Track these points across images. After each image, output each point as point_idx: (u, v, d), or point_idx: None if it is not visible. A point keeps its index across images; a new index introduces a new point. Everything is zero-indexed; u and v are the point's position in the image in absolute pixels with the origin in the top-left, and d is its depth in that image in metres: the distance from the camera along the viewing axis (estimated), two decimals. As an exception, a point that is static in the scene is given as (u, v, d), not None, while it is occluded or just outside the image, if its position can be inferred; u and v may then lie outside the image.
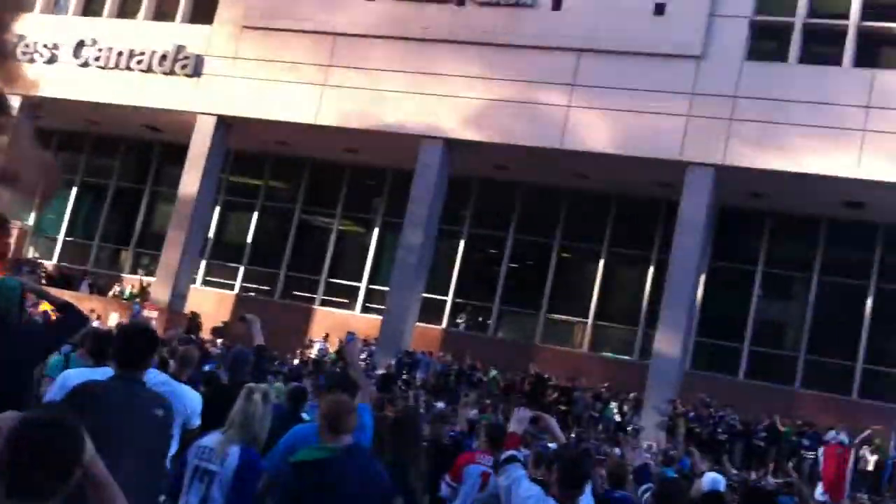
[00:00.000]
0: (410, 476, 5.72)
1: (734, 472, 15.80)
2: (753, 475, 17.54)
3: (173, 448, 6.08)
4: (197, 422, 6.43)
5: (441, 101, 25.08)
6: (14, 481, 2.24)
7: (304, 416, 8.64)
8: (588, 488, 5.71)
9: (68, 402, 4.40)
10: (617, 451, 16.13)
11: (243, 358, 7.51)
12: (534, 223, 28.23)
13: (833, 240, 25.42)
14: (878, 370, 24.34)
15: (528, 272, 28.47)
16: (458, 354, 24.60)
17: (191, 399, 6.50)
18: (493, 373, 23.61)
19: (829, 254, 25.45)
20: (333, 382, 5.97)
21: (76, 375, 5.64)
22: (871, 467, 19.29)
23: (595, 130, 23.74)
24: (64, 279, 28.86)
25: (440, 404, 16.75)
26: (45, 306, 16.51)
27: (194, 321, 25.83)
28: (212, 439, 5.00)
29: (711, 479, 9.30)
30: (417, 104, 25.18)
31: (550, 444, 8.88)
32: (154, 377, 6.00)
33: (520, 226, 28.32)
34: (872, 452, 19.33)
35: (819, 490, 15.23)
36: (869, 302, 24.68)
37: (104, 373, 5.61)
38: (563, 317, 27.49)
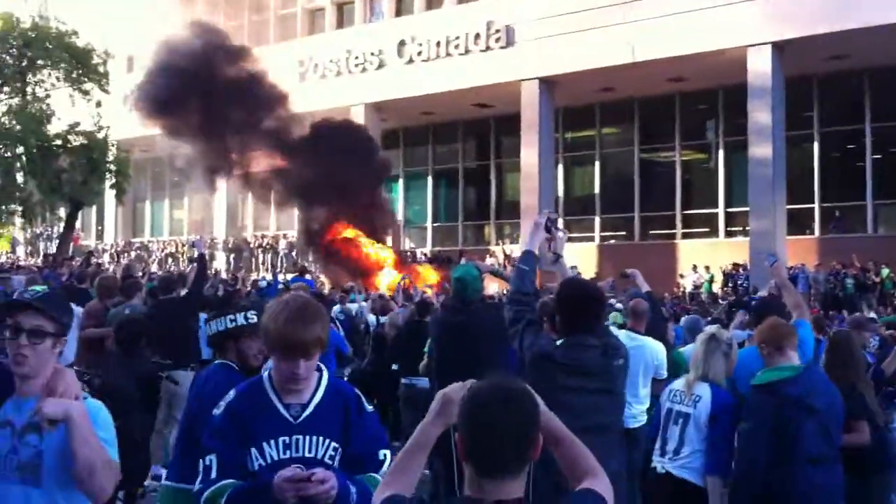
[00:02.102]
0: (866, 397, 5.61)
1: None
2: None
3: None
4: (663, 373, 6.79)
5: (759, 4, 23.84)
6: (483, 459, 2.17)
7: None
8: None
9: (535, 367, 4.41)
10: None
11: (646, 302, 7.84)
12: (891, 107, 26.02)
13: None
14: None
15: (896, 159, 26.41)
16: (846, 260, 23.27)
17: (657, 351, 6.88)
18: (886, 271, 22.14)
19: None
20: (764, 309, 6.07)
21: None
22: None
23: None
24: (446, 261, 31.02)
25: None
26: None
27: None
28: (680, 382, 5.34)
29: None
30: (733, 14, 24.14)
31: None
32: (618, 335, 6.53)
33: (875, 114, 26.25)
34: None
35: None
36: None
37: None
38: (950, 197, 25.14)
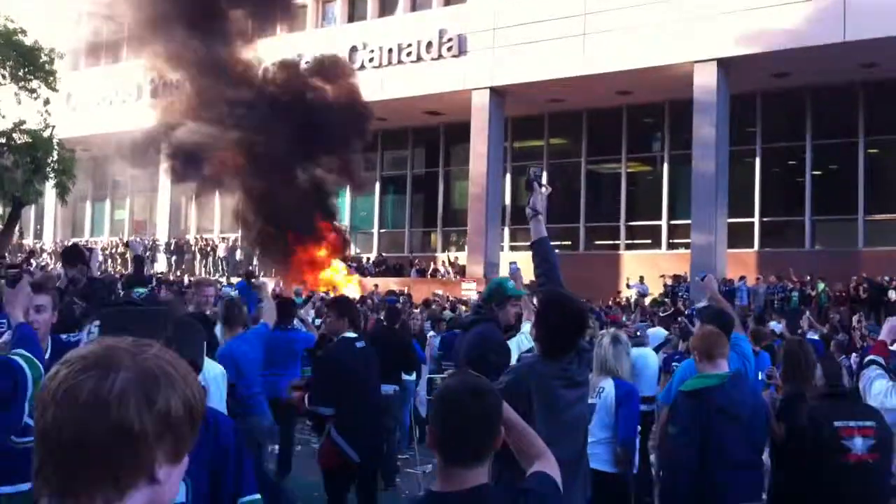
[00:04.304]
0: (802, 405, 5.89)
1: None
2: None
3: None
4: None
5: (707, 21, 24.33)
6: (454, 448, 2.33)
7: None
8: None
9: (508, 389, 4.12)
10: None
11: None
12: (831, 125, 26.71)
13: None
14: None
15: (835, 177, 27.04)
16: (784, 274, 23.79)
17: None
18: (821, 286, 22.68)
19: None
20: (708, 317, 6.28)
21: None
22: None
23: (880, 15, 21.95)
24: (393, 267, 31.09)
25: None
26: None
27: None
28: None
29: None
30: (682, 31, 24.60)
31: None
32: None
33: (816, 131, 26.90)
34: None
35: None
36: None
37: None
38: (885, 216, 25.76)
